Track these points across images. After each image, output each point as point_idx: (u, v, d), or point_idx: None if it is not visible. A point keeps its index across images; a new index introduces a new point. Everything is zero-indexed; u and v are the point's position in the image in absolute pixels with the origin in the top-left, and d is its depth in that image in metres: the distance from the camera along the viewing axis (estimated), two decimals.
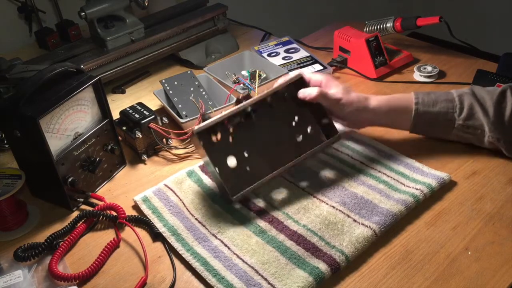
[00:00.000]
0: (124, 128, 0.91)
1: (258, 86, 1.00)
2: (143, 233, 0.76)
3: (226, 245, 0.71)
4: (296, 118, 0.83)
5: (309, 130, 0.84)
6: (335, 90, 0.81)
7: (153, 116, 0.89)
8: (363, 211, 0.74)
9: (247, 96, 0.80)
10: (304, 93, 0.80)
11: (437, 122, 0.83)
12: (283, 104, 0.82)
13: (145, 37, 1.17)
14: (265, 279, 0.65)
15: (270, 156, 0.80)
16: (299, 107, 0.83)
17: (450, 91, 0.84)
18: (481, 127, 0.81)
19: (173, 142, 0.93)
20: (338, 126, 0.86)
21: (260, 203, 0.77)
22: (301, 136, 0.83)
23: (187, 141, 0.91)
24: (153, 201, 0.79)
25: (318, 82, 0.83)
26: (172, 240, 0.72)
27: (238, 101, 0.81)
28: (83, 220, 0.77)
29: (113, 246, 0.73)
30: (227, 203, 0.77)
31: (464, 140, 0.84)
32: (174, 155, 0.93)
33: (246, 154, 0.79)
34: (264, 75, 1.08)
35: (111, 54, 1.11)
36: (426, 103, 0.82)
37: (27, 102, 0.73)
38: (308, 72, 0.86)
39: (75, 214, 0.80)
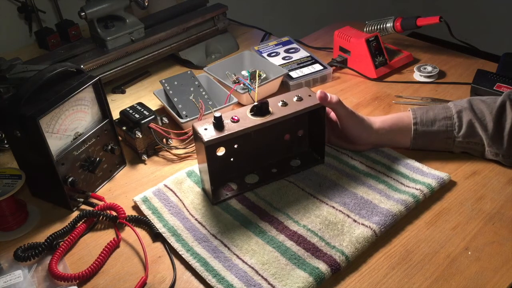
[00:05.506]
0: (124, 128, 0.91)
1: (258, 86, 1.00)
2: (143, 233, 0.76)
3: (226, 246, 0.71)
4: (291, 136, 0.84)
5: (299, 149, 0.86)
6: (348, 106, 0.82)
7: (153, 116, 0.89)
8: (363, 211, 0.74)
9: (264, 103, 0.75)
10: (327, 94, 0.78)
11: (436, 140, 0.82)
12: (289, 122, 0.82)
13: (145, 37, 1.17)
14: (265, 279, 0.65)
15: (257, 162, 0.83)
16: (302, 125, 0.84)
17: (448, 105, 0.83)
18: (480, 141, 0.81)
19: (173, 142, 0.93)
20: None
21: (260, 203, 0.77)
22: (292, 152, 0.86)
23: (187, 141, 0.91)
24: (153, 201, 0.79)
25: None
26: (172, 240, 0.72)
27: (255, 109, 0.75)
28: (83, 220, 0.77)
29: (113, 246, 0.73)
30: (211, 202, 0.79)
31: (464, 151, 0.84)
32: (174, 155, 0.93)
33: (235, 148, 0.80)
34: (264, 75, 1.08)
35: (111, 54, 1.11)
36: (425, 122, 0.82)
37: (27, 102, 0.73)
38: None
39: (75, 214, 0.80)
